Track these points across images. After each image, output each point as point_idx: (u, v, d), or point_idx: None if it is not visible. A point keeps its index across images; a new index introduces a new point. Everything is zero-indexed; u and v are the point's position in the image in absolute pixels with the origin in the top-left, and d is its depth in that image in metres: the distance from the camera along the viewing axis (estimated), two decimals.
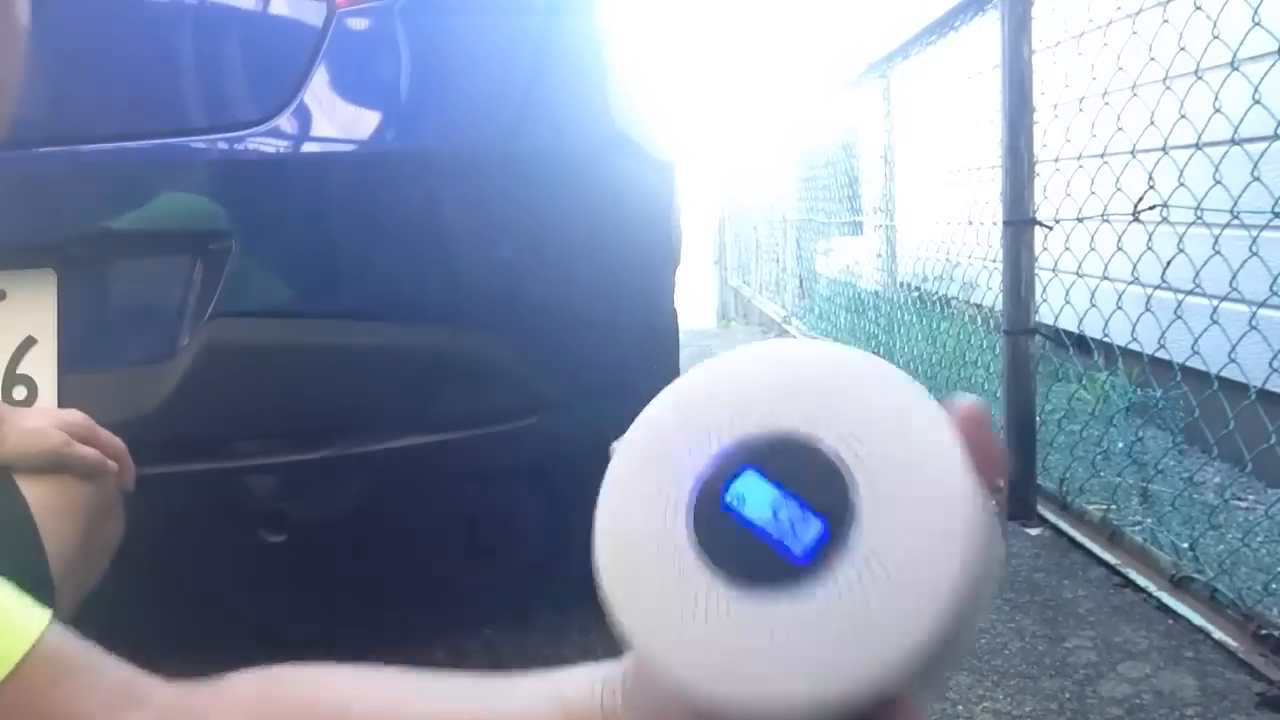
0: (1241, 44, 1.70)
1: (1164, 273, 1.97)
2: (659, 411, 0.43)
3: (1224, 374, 1.77)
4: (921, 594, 0.35)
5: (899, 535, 0.36)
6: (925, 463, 0.37)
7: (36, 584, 0.78)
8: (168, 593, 1.48)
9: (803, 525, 0.37)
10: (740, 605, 0.38)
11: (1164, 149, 1.94)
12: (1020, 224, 2.05)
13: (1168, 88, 1.92)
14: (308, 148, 1.23)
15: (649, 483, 0.41)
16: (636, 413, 0.43)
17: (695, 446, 0.41)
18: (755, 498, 0.39)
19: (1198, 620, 1.53)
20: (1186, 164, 1.86)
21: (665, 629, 0.39)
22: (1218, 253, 1.77)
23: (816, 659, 0.36)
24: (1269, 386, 1.73)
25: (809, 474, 0.38)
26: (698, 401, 0.42)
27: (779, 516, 0.38)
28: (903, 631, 0.35)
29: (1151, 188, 1.97)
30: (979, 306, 3.02)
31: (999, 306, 2.20)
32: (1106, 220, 2.14)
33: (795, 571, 0.37)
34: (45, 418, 0.86)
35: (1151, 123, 1.97)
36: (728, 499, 0.39)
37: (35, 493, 0.82)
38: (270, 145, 1.20)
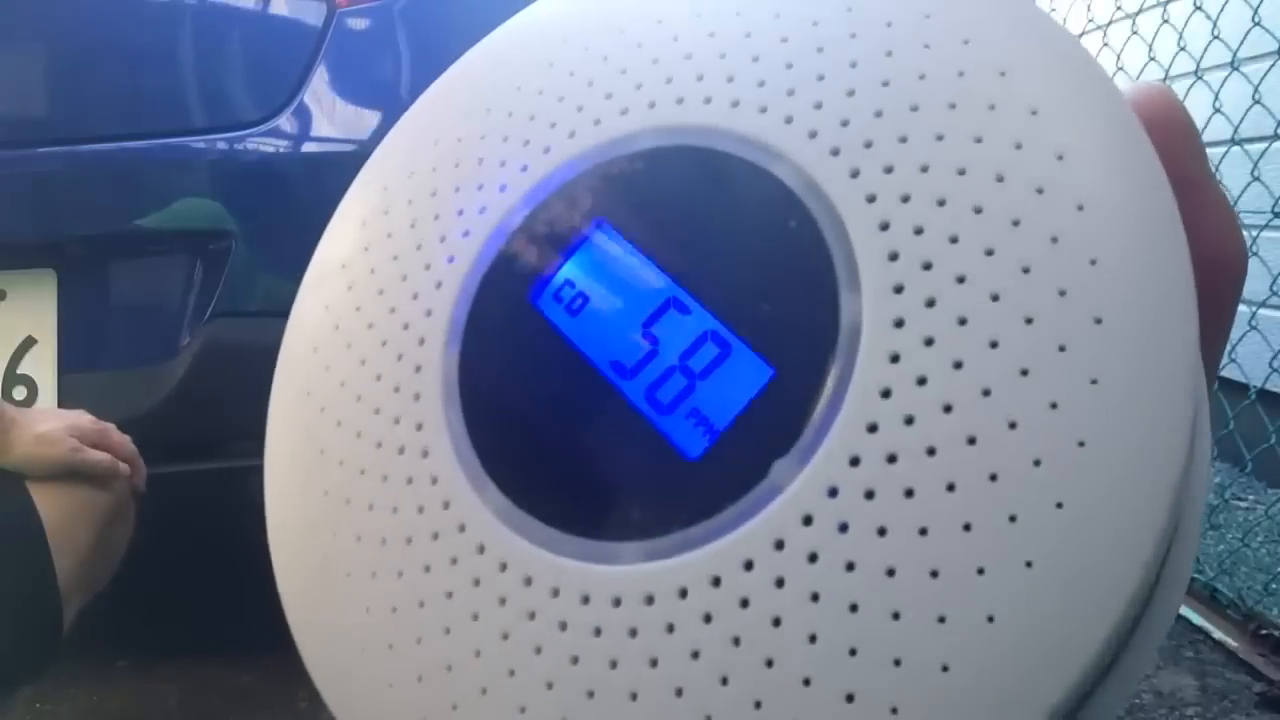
0: (1241, 44, 1.70)
1: None
2: (427, 101, 0.21)
3: (1224, 374, 1.77)
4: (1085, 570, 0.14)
5: (978, 411, 0.15)
6: (1061, 229, 0.15)
7: (41, 596, 0.78)
8: (168, 593, 1.48)
9: (723, 371, 0.16)
10: (573, 586, 0.16)
11: None
12: None
13: None
14: (308, 148, 1.23)
15: (377, 277, 0.19)
16: None
17: (484, 175, 0.18)
18: (605, 297, 0.17)
19: (1197, 620, 1.53)
20: None
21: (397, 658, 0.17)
22: None
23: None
24: (1269, 386, 1.74)
25: (747, 243, 0.17)
26: (507, 68, 0.19)
27: (660, 346, 0.16)
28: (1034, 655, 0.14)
29: None
30: None
31: None
32: None
33: (701, 489, 0.15)
34: (56, 421, 0.85)
35: None
36: (552, 292, 0.18)
37: (47, 498, 0.82)
38: (270, 145, 1.20)
